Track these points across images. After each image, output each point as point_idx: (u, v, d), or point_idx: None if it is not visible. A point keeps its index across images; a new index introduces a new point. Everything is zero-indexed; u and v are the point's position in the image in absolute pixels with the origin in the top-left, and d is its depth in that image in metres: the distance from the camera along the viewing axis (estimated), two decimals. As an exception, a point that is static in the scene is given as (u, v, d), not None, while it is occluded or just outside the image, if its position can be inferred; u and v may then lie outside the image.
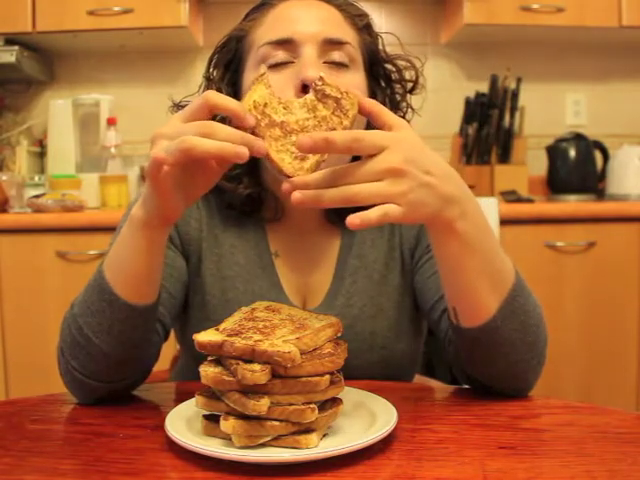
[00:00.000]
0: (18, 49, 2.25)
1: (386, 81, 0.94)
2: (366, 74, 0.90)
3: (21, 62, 2.29)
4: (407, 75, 0.93)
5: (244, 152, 0.61)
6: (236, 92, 0.90)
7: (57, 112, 2.37)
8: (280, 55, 0.84)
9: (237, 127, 0.63)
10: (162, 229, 0.71)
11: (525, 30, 2.35)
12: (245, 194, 0.90)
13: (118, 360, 0.75)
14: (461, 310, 0.74)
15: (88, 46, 2.50)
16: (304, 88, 0.81)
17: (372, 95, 0.91)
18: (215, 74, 0.92)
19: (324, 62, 0.84)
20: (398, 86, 0.94)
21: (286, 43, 0.84)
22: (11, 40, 2.27)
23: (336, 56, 0.85)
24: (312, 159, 0.65)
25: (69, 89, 2.55)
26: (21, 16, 2.22)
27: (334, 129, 0.66)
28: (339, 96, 0.66)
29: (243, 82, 0.89)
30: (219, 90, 0.90)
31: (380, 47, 0.93)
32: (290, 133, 0.66)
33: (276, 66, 0.84)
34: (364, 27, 0.91)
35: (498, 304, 0.72)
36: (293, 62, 0.84)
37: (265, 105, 0.66)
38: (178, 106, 0.93)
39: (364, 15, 0.92)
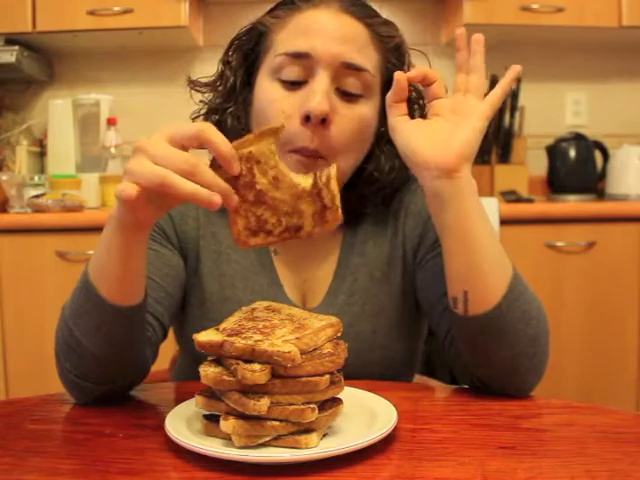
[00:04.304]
0: (18, 49, 2.25)
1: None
2: (382, 94, 0.88)
3: (21, 62, 2.29)
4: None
5: (217, 202, 0.61)
6: (250, 83, 0.90)
7: (57, 112, 2.37)
8: (295, 72, 0.83)
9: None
10: (137, 233, 0.69)
11: (525, 30, 2.35)
12: None
13: (108, 362, 0.74)
14: (471, 292, 0.75)
15: (88, 46, 2.50)
16: (307, 118, 0.81)
17: (384, 115, 0.90)
18: (233, 61, 0.92)
19: (336, 88, 0.83)
20: (415, 106, 0.91)
21: (303, 57, 0.83)
22: (11, 40, 2.27)
23: (350, 84, 0.84)
24: (260, 239, 0.65)
25: (69, 89, 2.55)
26: (21, 16, 2.22)
27: (300, 227, 0.64)
28: (329, 205, 0.64)
29: (257, 81, 0.88)
30: (234, 77, 0.91)
31: (405, 68, 0.91)
32: (260, 204, 0.64)
33: (290, 84, 0.84)
34: (393, 48, 0.89)
35: (505, 287, 0.75)
36: (307, 82, 0.83)
37: (258, 162, 0.63)
38: (193, 83, 0.94)
39: (394, 37, 0.90)
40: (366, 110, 0.86)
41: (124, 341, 0.75)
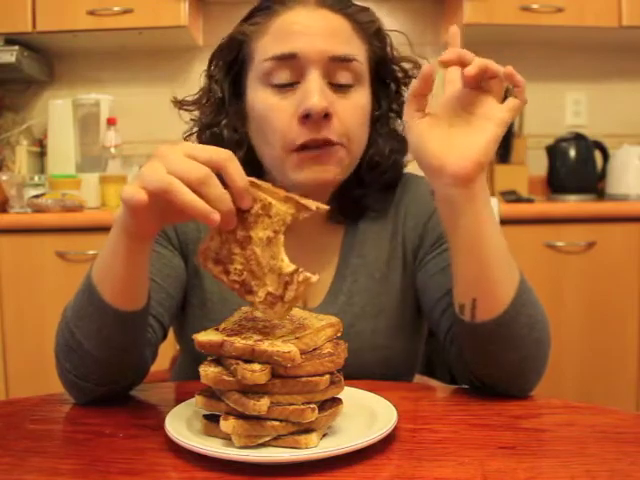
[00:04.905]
0: (18, 49, 2.25)
1: (393, 82, 0.93)
2: (372, 79, 0.90)
3: (21, 62, 2.29)
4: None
5: (215, 220, 0.59)
6: (237, 94, 0.90)
7: (57, 112, 2.37)
8: (285, 74, 0.83)
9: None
10: (140, 241, 0.69)
11: (525, 30, 2.35)
12: None
13: (109, 364, 0.74)
14: (480, 299, 0.74)
15: (88, 46, 2.50)
16: (306, 117, 0.81)
17: (376, 99, 0.91)
18: (217, 74, 0.92)
19: (329, 82, 0.84)
20: (405, 87, 0.93)
21: (290, 59, 0.83)
22: (11, 40, 2.27)
23: (342, 77, 0.84)
24: (215, 269, 0.64)
25: (69, 89, 2.55)
26: (21, 16, 2.22)
27: (252, 292, 0.62)
28: (285, 301, 0.61)
29: (247, 90, 0.88)
30: (221, 90, 0.91)
31: (388, 49, 0.92)
32: (239, 247, 0.63)
33: (281, 87, 0.84)
34: (374, 33, 0.90)
35: (513, 293, 0.74)
36: (298, 83, 0.83)
37: (269, 217, 0.62)
38: (180, 102, 0.94)
39: (374, 21, 0.90)
40: (360, 97, 0.87)
41: (125, 344, 0.74)
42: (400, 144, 0.92)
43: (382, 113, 0.92)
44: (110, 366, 0.74)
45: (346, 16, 0.87)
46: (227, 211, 0.60)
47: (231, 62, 0.91)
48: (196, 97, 0.95)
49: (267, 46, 0.85)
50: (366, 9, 0.91)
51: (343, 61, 0.84)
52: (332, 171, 0.84)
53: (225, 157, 0.61)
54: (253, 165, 0.89)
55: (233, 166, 0.62)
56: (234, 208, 0.61)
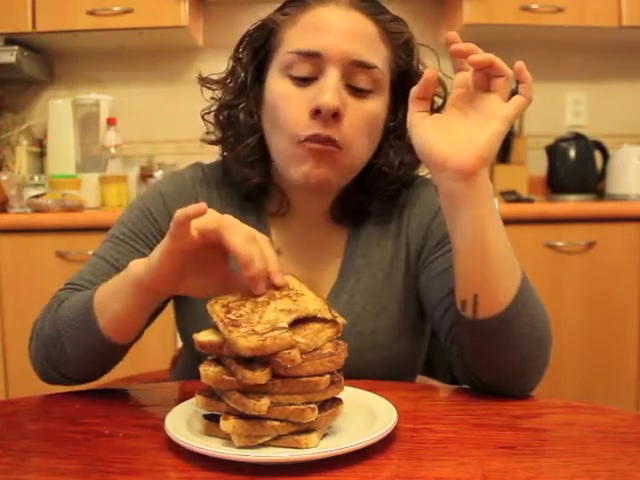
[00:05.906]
0: (18, 49, 2.25)
1: None
2: (392, 88, 0.89)
3: (21, 62, 2.29)
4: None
5: (255, 268, 0.64)
6: (260, 80, 0.91)
7: (57, 112, 2.37)
8: (305, 69, 0.84)
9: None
10: (151, 296, 0.72)
11: (525, 30, 2.35)
12: (255, 183, 0.91)
13: (83, 366, 0.80)
14: (482, 296, 0.74)
15: (88, 46, 2.50)
16: (317, 113, 0.82)
17: (393, 110, 0.91)
18: (244, 57, 0.92)
19: (347, 84, 0.84)
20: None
21: (313, 56, 0.83)
22: (11, 40, 2.27)
23: (360, 81, 0.85)
24: (218, 308, 0.64)
25: (69, 89, 2.54)
26: (21, 16, 2.22)
27: (237, 326, 0.61)
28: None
29: (268, 77, 0.89)
30: (245, 74, 0.91)
31: (414, 63, 0.91)
32: (255, 304, 0.64)
33: (299, 80, 0.84)
34: (401, 44, 0.89)
35: (515, 290, 0.74)
36: (316, 79, 0.84)
37: (294, 300, 0.64)
38: (204, 80, 0.95)
39: (404, 32, 0.90)
40: (376, 105, 0.87)
41: (105, 360, 0.81)
42: (413, 157, 0.90)
43: (398, 124, 0.90)
44: (83, 368, 0.80)
45: (376, 22, 0.87)
46: (263, 270, 0.65)
47: (258, 48, 0.91)
48: (221, 76, 0.95)
49: (294, 38, 0.86)
50: (399, 19, 0.90)
51: (364, 67, 0.84)
52: (325, 170, 0.84)
53: (266, 240, 0.67)
54: (263, 152, 0.90)
55: (271, 247, 0.67)
56: (268, 275, 0.65)
